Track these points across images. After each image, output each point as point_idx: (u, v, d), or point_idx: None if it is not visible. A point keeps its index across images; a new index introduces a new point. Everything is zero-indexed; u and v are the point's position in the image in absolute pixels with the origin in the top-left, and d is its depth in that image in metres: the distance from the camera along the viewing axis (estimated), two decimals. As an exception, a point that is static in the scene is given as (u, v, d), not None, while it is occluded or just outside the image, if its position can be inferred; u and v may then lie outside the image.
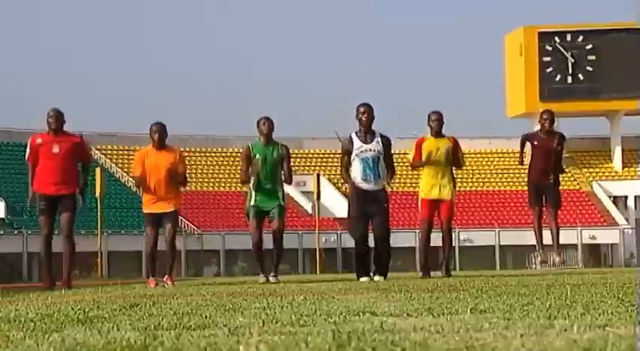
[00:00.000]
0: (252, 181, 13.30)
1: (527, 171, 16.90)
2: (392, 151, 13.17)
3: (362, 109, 13.13)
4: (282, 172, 13.44)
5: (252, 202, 13.33)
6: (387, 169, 13.01)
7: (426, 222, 14.43)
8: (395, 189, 73.96)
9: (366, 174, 12.81)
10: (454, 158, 14.32)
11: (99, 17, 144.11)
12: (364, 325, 3.48)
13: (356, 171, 12.87)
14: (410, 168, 15.14)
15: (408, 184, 74.71)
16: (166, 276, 13.23)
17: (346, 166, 13.00)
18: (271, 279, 13.18)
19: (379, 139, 13.03)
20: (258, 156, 13.18)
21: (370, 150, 12.88)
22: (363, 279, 12.61)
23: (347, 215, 13.30)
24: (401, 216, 71.07)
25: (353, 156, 12.86)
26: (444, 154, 14.15)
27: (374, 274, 12.83)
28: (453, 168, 14.47)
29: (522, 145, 16.44)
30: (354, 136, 13.06)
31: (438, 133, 14.27)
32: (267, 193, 13.30)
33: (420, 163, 14.17)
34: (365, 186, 12.87)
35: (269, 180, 13.29)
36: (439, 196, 14.19)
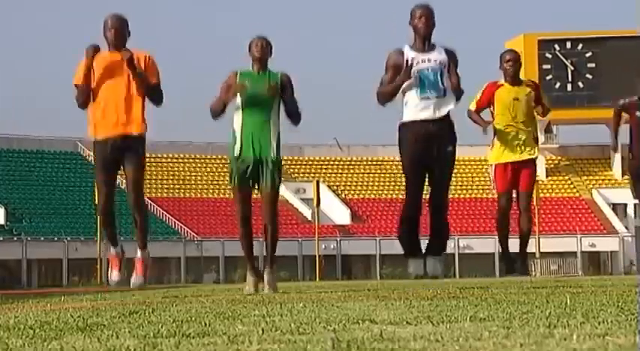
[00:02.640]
0: (235, 121, 9.80)
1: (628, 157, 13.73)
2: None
3: (419, 13, 9.73)
4: (285, 107, 9.78)
5: (236, 152, 9.71)
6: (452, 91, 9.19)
7: (504, 197, 10.83)
8: (392, 196, 74.01)
9: (425, 90, 9.06)
10: (538, 106, 10.71)
11: (99, 21, 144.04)
12: (364, 333, 3.48)
13: (410, 96, 9.13)
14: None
15: (408, 192, 74.68)
16: (138, 254, 9.69)
17: (391, 83, 9.13)
18: (265, 286, 9.92)
19: (442, 49, 9.46)
20: (247, 83, 9.59)
21: (430, 60, 9.28)
22: (413, 262, 9.23)
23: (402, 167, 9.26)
24: (400, 223, 70.96)
25: (404, 78, 9.06)
26: (525, 105, 10.64)
27: (426, 254, 9.24)
28: (538, 117, 11.06)
29: (617, 120, 13.54)
30: (406, 47, 9.54)
31: (514, 79, 10.75)
32: (256, 137, 9.60)
33: (486, 124, 10.90)
34: (423, 114, 9.02)
35: (260, 119, 9.60)
36: (520, 157, 10.64)
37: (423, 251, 9.31)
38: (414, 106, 9.10)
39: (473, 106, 11.10)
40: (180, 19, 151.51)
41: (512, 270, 11.28)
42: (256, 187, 9.83)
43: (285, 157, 75.58)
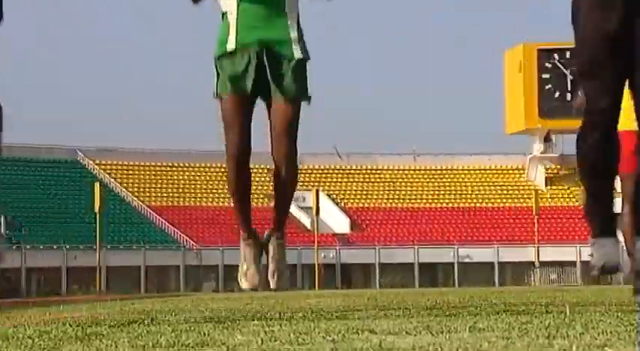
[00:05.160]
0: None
1: None
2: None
3: None
4: None
5: (230, 45, 5.91)
6: None
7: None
8: (392, 205, 73.95)
9: None
10: None
11: (99, 28, 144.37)
12: (363, 343, 3.47)
13: None
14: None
15: (407, 200, 74.71)
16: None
17: None
18: (270, 272, 6.14)
19: None
20: None
21: None
22: (603, 245, 5.03)
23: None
24: (400, 232, 71.02)
25: None
26: None
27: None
28: None
29: None
30: None
31: None
32: (262, 19, 5.90)
33: None
34: None
35: None
36: None
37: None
38: None
39: None
40: (180, 25, 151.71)
41: None
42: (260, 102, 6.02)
43: (285, 166, 75.37)
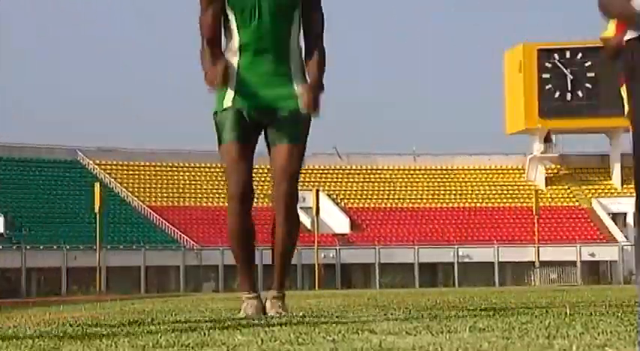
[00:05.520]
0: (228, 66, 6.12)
1: None
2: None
3: None
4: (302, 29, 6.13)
5: (227, 102, 6.16)
6: None
7: None
8: (392, 205, 73.95)
9: None
10: None
11: (99, 28, 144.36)
12: (363, 343, 3.47)
13: None
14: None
15: (407, 200, 74.71)
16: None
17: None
18: (270, 308, 6.19)
19: None
20: None
21: None
22: None
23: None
24: (400, 232, 71.01)
25: None
26: None
27: None
28: None
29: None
30: None
31: None
32: (263, 75, 6.06)
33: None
34: None
35: (270, 43, 6.04)
36: None
37: None
38: None
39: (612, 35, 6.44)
40: (180, 25, 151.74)
41: None
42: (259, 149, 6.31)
43: (285, 166, 75.34)
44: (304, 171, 74.56)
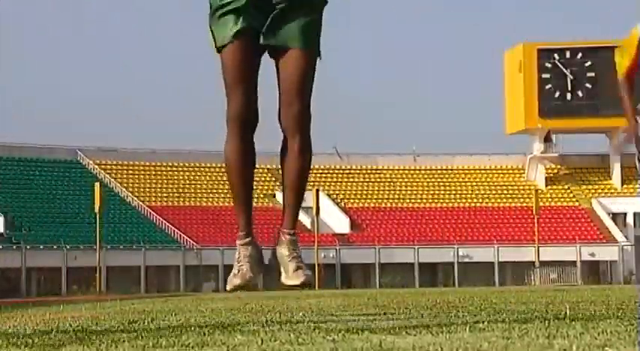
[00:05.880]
0: None
1: None
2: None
3: None
4: None
5: None
6: None
7: None
8: (392, 205, 73.94)
9: None
10: None
11: (99, 28, 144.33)
12: (363, 343, 3.47)
13: None
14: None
15: (407, 200, 74.70)
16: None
17: None
18: (291, 266, 4.90)
19: None
20: None
21: None
22: None
23: None
24: (400, 232, 70.99)
25: None
26: None
27: None
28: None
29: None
30: None
31: None
32: None
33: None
34: None
35: None
36: None
37: None
38: None
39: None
40: (180, 25, 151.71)
41: None
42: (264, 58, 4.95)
43: (285, 166, 75.40)
44: (304, 171, 74.72)
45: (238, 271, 4.87)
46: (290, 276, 4.82)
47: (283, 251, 4.93)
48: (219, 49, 4.85)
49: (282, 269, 4.87)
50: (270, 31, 4.79)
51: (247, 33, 4.78)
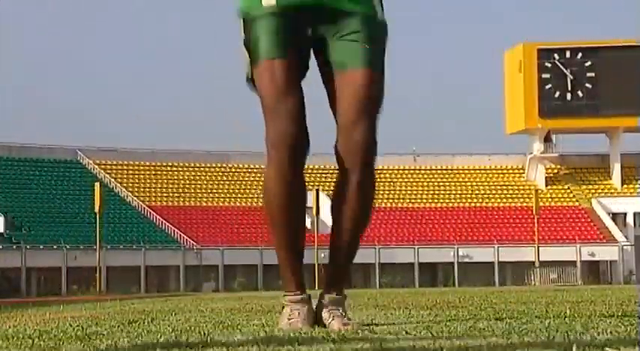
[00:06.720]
0: None
1: None
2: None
3: None
4: None
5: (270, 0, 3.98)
6: None
7: None
8: (392, 205, 73.96)
9: None
10: None
11: (99, 28, 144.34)
12: (363, 343, 3.47)
13: None
14: None
15: (407, 200, 74.71)
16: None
17: None
18: (328, 318, 4.16)
19: None
20: None
21: None
22: None
23: None
24: (400, 232, 71.00)
25: None
26: None
27: None
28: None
29: None
30: None
31: None
32: None
33: None
34: None
35: None
36: None
37: None
38: None
39: None
40: (180, 26, 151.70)
41: None
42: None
43: (285, 166, 75.40)
44: (304, 170, 74.78)
45: (289, 321, 4.14)
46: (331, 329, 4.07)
47: (325, 316, 4.17)
48: (249, 76, 4.02)
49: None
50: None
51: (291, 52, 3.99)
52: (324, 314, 4.17)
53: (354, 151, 3.91)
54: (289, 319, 4.15)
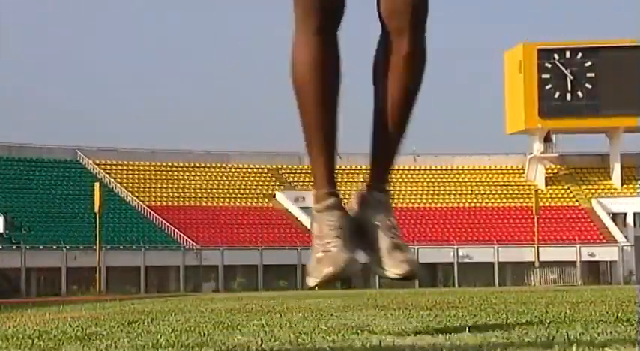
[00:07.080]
0: None
1: None
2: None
3: None
4: None
5: None
6: None
7: None
8: (394, 205, 74.12)
9: None
10: None
11: (99, 28, 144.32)
12: (363, 343, 3.47)
13: None
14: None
15: (407, 200, 74.71)
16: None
17: None
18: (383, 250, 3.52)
19: None
20: None
21: None
22: None
23: None
24: (400, 232, 70.95)
25: None
26: None
27: None
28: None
29: None
30: None
31: None
32: None
33: None
34: None
35: None
36: None
37: None
38: None
39: None
40: (180, 26, 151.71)
41: None
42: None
43: (284, 166, 75.64)
44: (304, 171, 74.89)
45: (324, 254, 3.27)
46: (387, 262, 3.34)
47: (371, 216, 3.37)
48: None
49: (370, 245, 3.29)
50: None
51: None
52: (372, 214, 3.39)
53: (402, 9, 3.28)
54: (324, 253, 3.25)
